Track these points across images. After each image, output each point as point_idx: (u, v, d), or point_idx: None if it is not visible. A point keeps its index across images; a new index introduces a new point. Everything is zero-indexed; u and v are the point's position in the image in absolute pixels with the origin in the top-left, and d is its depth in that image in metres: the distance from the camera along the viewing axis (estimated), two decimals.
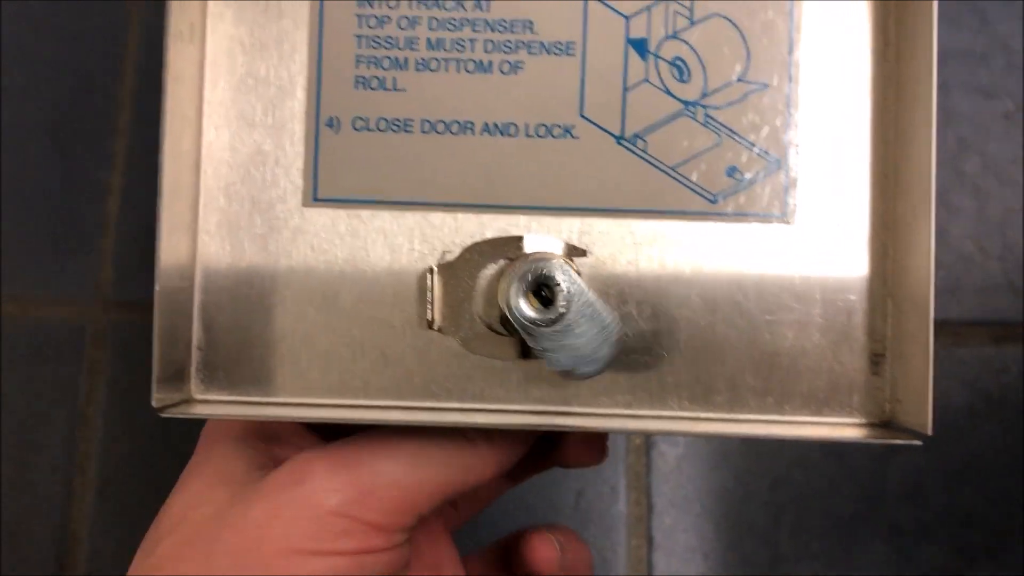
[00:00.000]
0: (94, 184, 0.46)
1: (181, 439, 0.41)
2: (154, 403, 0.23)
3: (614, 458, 0.45)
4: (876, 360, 0.25)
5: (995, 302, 0.47)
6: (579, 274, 0.25)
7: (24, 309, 0.45)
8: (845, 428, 0.25)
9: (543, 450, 0.30)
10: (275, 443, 0.27)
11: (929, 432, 0.23)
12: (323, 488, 0.23)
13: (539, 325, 0.24)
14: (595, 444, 0.30)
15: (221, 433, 0.27)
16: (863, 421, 0.25)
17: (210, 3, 0.26)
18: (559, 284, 0.24)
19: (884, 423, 0.25)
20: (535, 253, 0.25)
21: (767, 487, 0.46)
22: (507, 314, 0.24)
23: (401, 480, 0.24)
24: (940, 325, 0.46)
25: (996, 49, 0.48)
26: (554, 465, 0.32)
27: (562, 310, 0.24)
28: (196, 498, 0.25)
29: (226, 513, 0.24)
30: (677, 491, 0.46)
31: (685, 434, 0.29)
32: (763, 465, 0.46)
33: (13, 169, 0.46)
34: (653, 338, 0.26)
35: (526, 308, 0.24)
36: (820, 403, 0.25)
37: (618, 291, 0.26)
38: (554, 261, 0.24)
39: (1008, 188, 0.47)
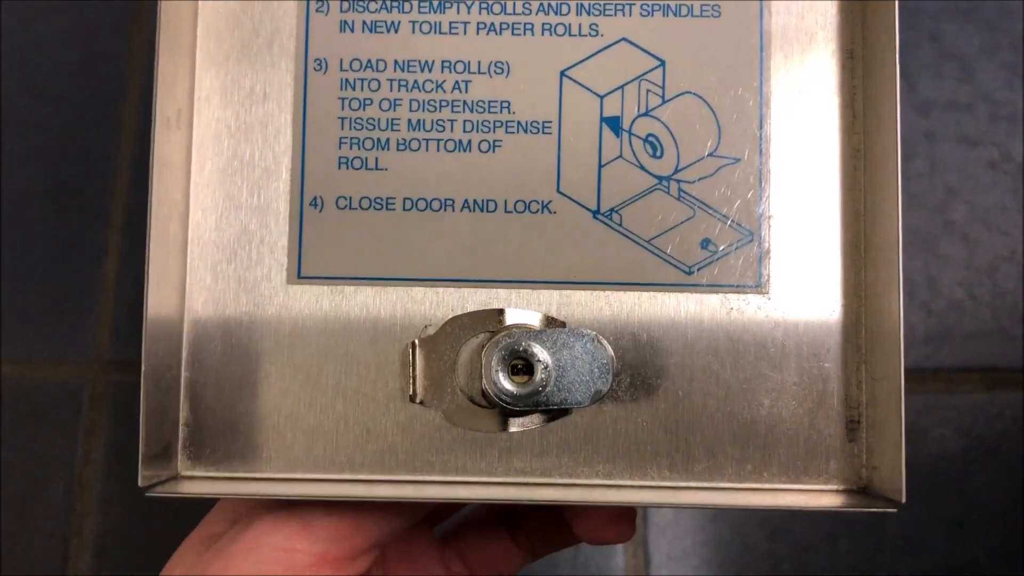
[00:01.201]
0: (92, 246, 0.47)
1: (178, 501, 0.41)
2: (140, 482, 0.23)
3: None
4: (852, 427, 0.26)
5: (987, 348, 0.47)
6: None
7: (23, 371, 0.46)
8: (823, 495, 0.25)
9: (561, 524, 0.30)
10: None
11: (903, 500, 0.24)
12: (267, 530, 0.24)
13: (518, 400, 0.24)
14: (622, 519, 0.29)
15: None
16: (840, 488, 0.26)
17: (196, 88, 0.26)
18: (538, 358, 0.24)
19: (861, 489, 0.26)
20: (514, 327, 0.26)
21: (765, 538, 0.46)
22: (486, 389, 0.24)
23: (291, 548, 0.24)
24: (932, 372, 0.46)
25: (979, 99, 0.48)
26: (576, 542, 0.31)
27: (540, 386, 0.24)
28: (175, 560, 0.26)
29: (192, 568, 0.25)
30: (674, 544, 0.46)
31: (666, 505, 0.29)
32: (761, 516, 0.46)
33: (12, 232, 0.46)
34: (633, 408, 0.26)
35: (505, 383, 0.24)
36: (798, 470, 0.26)
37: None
38: (533, 334, 0.25)
39: (996, 235, 0.48)
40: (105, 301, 0.47)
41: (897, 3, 0.25)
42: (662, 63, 0.27)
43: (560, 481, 0.26)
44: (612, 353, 0.25)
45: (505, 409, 0.25)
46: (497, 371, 0.24)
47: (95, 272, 0.46)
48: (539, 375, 0.24)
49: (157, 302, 0.25)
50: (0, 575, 0.44)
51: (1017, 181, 0.47)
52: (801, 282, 0.26)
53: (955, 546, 0.45)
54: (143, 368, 0.24)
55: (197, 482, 0.25)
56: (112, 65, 0.48)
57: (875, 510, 0.24)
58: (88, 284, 0.46)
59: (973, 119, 0.48)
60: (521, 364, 0.25)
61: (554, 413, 0.26)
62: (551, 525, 0.31)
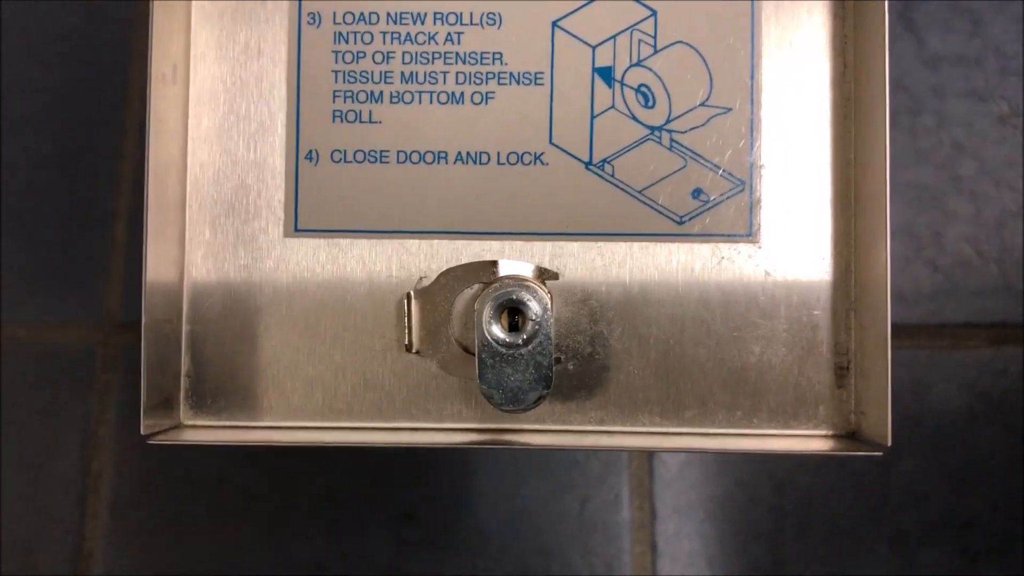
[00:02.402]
0: (102, 209, 0.47)
1: (188, 455, 0.42)
2: (142, 430, 0.24)
3: (617, 466, 0.46)
4: (841, 373, 0.26)
5: (993, 304, 0.47)
6: (550, 296, 0.25)
7: (35, 334, 0.46)
8: (812, 440, 0.26)
9: None
10: None
11: (888, 443, 0.24)
12: None
13: (508, 348, 0.25)
14: None
15: None
16: (830, 433, 0.26)
17: (192, 45, 0.27)
18: (530, 310, 0.25)
19: (850, 434, 0.26)
20: (507, 277, 0.26)
21: (770, 491, 0.46)
22: (476, 334, 0.25)
23: None
24: (938, 328, 0.46)
25: (989, 53, 0.48)
26: None
27: (529, 335, 0.25)
28: None
29: None
30: (680, 497, 0.46)
31: (656, 449, 0.29)
32: (766, 469, 0.46)
33: (21, 197, 0.46)
34: (625, 357, 0.26)
35: (497, 330, 0.25)
36: (788, 416, 0.26)
37: (589, 311, 0.26)
38: (526, 286, 0.25)
39: (1005, 191, 0.47)
40: (115, 263, 0.47)
41: None
42: (654, 13, 0.27)
43: (553, 427, 0.26)
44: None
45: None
46: (490, 320, 0.25)
47: (105, 235, 0.47)
48: (530, 326, 0.25)
49: (156, 257, 0.25)
50: (21, 533, 0.45)
51: None
52: (792, 231, 0.26)
53: (959, 500, 0.45)
54: (143, 321, 0.24)
55: (199, 431, 0.26)
56: (117, 28, 0.48)
57: (861, 454, 0.24)
58: (98, 247, 0.46)
59: (982, 73, 0.48)
60: (515, 316, 0.25)
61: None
62: None
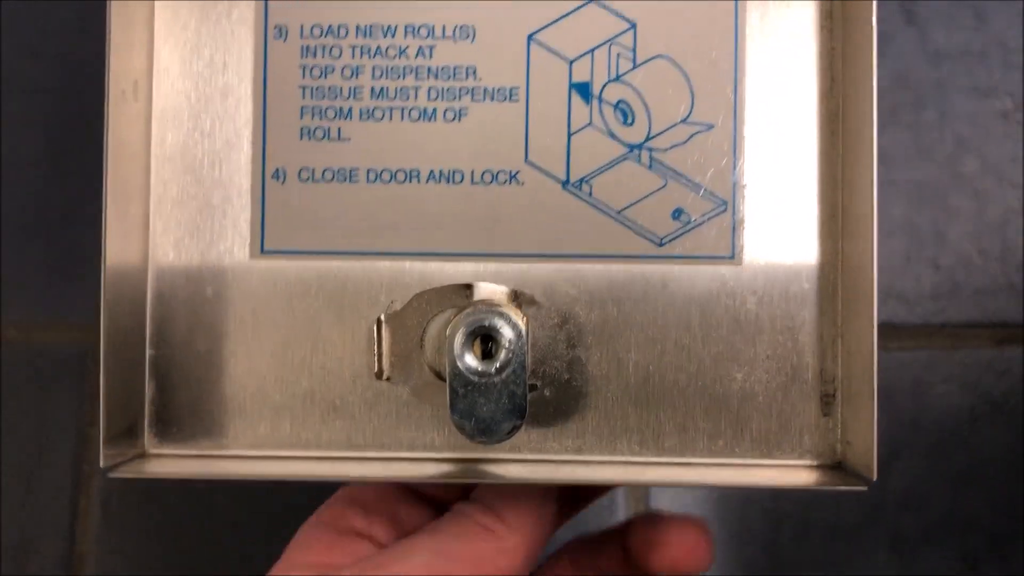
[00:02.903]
0: (92, 210, 0.47)
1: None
2: (102, 462, 0.23)
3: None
4: (827, 401, 0.25)
5: (995, 303, 0.46)
6: (526, 322, 0.25)
7: (27, 335, 0.46)
8: (796, 471, 0.25)
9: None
10: (351, 541, 0.27)
11: (874, 478, 0.23)
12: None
13: (480, 377, 0.24)
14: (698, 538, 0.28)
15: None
16: (814, 463, 0.25)
17: (155, 59, 0.26)
18: (503, 336, 0.24)
19: (836, 464, 0.25)
20: (481, 302, 0.25)
21: (768, 494, 0.46)
22: (448, 363, 0.24)
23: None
24: (939, 328, 0.45)
25: (993, 47, 0.47)
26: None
27: (503, 363, 0.24)
28: (304, 546, 0.27)
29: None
30: (676, 500, 0.46)
31: (634, 483, 0.29)
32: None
33: (13, 197, 0.47)
34: (603, 382, 0.26)
35: (469, 359, 0.24)
36: (771, 445, 0.25)
37: (566, 336, 0.26)
38: (500, 312, 0.24)
39: (1007, 188, 0.47)
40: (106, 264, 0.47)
41: None
42: (633, 26, 0.26)
43: (529, 457, 0.26)
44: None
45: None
46: (462, 348, 0.24)
47: (96, 235, 0.47)
48: (503, 355, 0.24)
49: (117, 279, 0.24)
50: (13, 534, 0.45)
51: None
52: (776, 253, 0.26)
53: (959, 502, 0.45)
54: (102, 347, 0.24)
55: (164, 460, 0.25)
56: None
57: (845, 488, 0.23)
58: (89, 247, 0.46)
59: (986, 69, 0.47)
60: (489, 343, 0.24)
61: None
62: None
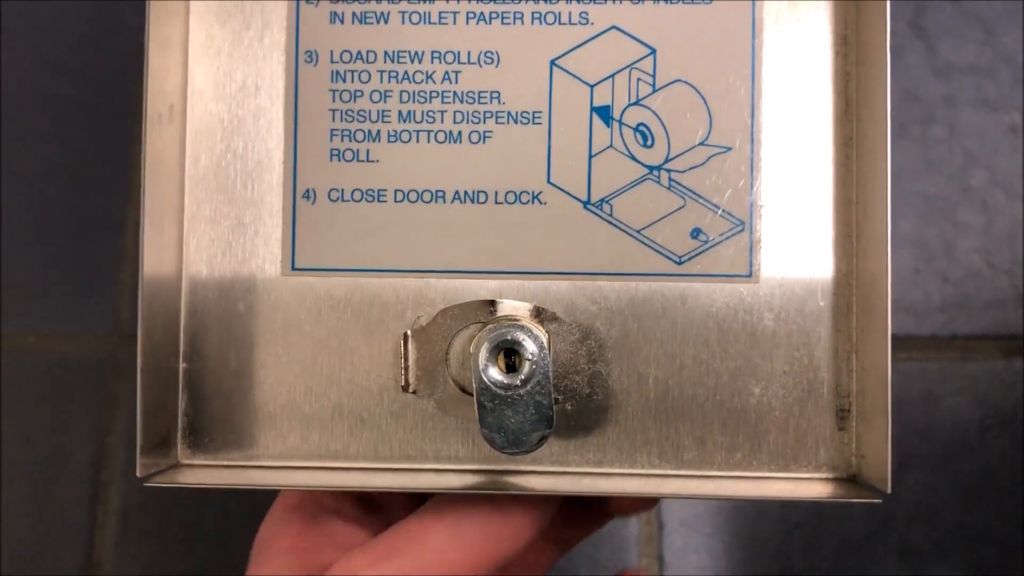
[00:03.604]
0: (112, 220, 0.47)
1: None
2: (139, 472, 0.24)
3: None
4: (842, 415, 0.26)
5: (1004, 316, 0.47)
6: (547, 337, 0.25)
7: (47, 344, 0.47)
8: (812, 484, 0.26)
9: (588, 509, 0.30)
10: (324, 522, 0.27)
11: (888, 491, 0.24)
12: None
13: (507, 389, 0.24)
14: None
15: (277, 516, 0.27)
16: (830, 476, 0.26)
17: (189, 82, 0.27)
18: (526, 350, 0.25)
19: (851, 477, 0.26)
20: (504, 318, 0.26)
21: (778, 505, 0.46)
22: (474, 377, 0.25)
23: (444, 559, 0.25)
24: (949, 340, 0.46)
25: (1001, 62, 0.48)
26: (607, 520, 0.31)
27: (527, 376, 0.24)
28: (273, 529, 0.27)
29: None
30: (687, 510, 0.46)
31: (654, 495, 0.29)
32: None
33: (34, 207, 0.47)
34: (623, 397, 0.26)
35: (494, 372, 0.25)
36: (788, 459, 0.26)
37: (587, 351, 0.26)
38: (522, 327, 0.25)
39: (1016, 201, 0.47)
40: (125, 274, 0.47)
41: None
42: (653, 51, 0.26)
43: (551, 469, 0.26)
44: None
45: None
46: (486, 362, 0.25)
47: (114, 245, 0.47)
48: (527, 368, 0.25)
49: (152, 295, 0.25)
50: (32, 541, 0.45)
51: None
52: (792, 271, 0.26)
53: (969, 513, 0.45)
54: (139, 361, 0.24)
55: (196, 470, 0.26)
56: (127, 39, 0.48)
57: (859, 500, 0.24)
58: (108, 257, 0.47)
59: (994, 83, 0.48)
60: (512, 357, 0.25)
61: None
62: (582, 508, 0.31)
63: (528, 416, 0.24)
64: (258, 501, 0.44)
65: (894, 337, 0.44)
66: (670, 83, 0.26)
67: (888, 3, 0.24)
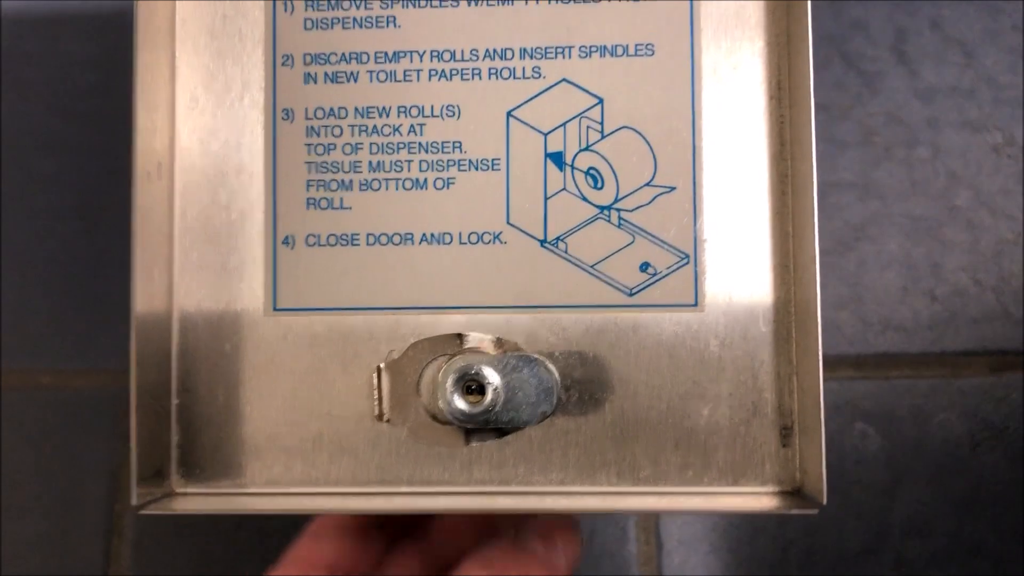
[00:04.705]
0: (121, 261, 0.49)
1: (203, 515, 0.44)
2: (134, 500, 0.26)
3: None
4: (785, 433, 0.28)
5: (992, 332, 0.47)
6: (510, 363, 0.27)
7: (60, 381, 0.48)
8: (760, 497, 0.27)
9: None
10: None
11: (823, 502, 0.25)
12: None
13: (470, 418, 0.26)
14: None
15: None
16: (776, 489, 0.28)
17: (176, 139, 0.29)
18: (488, 381, 0.27)
19: (796, 490, 0.28)
20: (468, 350, 0.28)
21: (774, 522, 0.47)
22: (443, 408, 0.27)
23: None
24: (937, 357, 0.47)
25: (982, 84, 0.48)
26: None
27: (490, 406, 0.27)
28: None
29: None
30: (685, 529, 0.47)
31: (613, 511, 0.31)
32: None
33: (46, 249, 0.48)
34: (583, 421, 0.28)
35: (459, 403, 0.27)
36: (736, 474, 0.28)
37: None
38: (485, 358, 0.27)
39: (1001, 220, 0.48)
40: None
41: (811, 40, 0.26)
42: (600, 101, 0.28)
43: (517, 490, 0.28)
44: (557, 377, 0.28)
45: (462, 426, 0.27)
46: (452, 392, 0.27)
47: (124, 284, 0.49)
48: (490, 396, 0.27)
49: (145, 336, 0.27)
50: (48, 573, 0.46)
51: (1020, 164, 0.47)
52: (735, 300, 0.28)
53: (963, 527, 0.45)
54: (132, 398, 0.27)
55: (189, 498, 0.28)
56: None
57: (796, 512, 0.25)
58: (118, 296, 0.48)
59: (976, 104, 0.48)
60: (475, 385, 0.27)
61: (507, 429, 0.28)
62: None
63: (527, 397, 0.27)
64: (267, 529, 0.46)
65: (884, 355, 0.45)
66: (617, 129, 0.28)
67: (811, 51, 0.26)
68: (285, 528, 0.45)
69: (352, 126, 0.29)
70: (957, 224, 0.48)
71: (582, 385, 0.28)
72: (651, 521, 0.47)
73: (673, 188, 0.28)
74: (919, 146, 0.47)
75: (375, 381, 0.28)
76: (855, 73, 0.46)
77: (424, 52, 0.29)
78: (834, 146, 0.45)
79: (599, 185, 0.28)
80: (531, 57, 0.29)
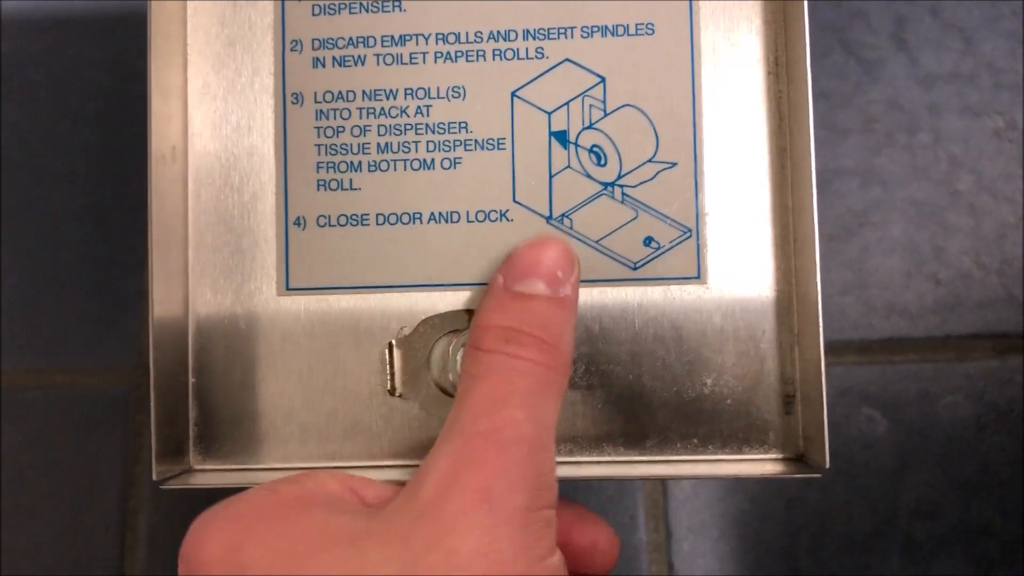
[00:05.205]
0: (132, 259, 0.49)
1: (221, 491, 0.44)
2: (154, 476, 0.27)
3: (631, 488, 0.47)
4: (788, 401, 0.28)
5: (996, 315, 0.47)
6: None
7: (73, 380, 0.48)
8: (764, 464, 0.28)
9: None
10: None
11: (826, 466, 0.26)
12: None
13: None
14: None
15: None
16: (780, 456, 0.28)
17: (189, 125, 0.30)
18: None
19: (799, 457, 0.28)
20: None
21: (783, 507, 0.47)
22: (455, 379, 0.27)
23: None
24: (942, 341, 0.47)
25: (982, 69, 0.48)
26: None
27: None
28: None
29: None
30: (694, 517, 0.47)
31: (621, 478, 0.32)
32: (777, 486, 0.47)
33: (58, 250, 0.49)
34: (589, 392, 0.29)
35: None
36: (740, 442, 0.28)
37: None
38: None
39: (1003, 203, 0.48)
40: (146, 310, 0.49)
41: (807, 17, 0.27)
42: (602, 79, 0.29)
43: None
44: None
45: None
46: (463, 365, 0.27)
47: (136, 283, 0.49)
48: None
49: (163, 316, 0.28)
50: (64, 568, 0.47)
51: (1022, 148, 0.47)
52: (737, 272, 0.29)
53: (970, 509, 0.45)
54: (152, 378, 0.27)
55: (207, 474, 0.29)
56: (143, 87, 0.50)
57: (800, 476, 0.26)
58: (130, 295, 0.49)
59: (976, 89, 0.48)
60: None
61: None
62: None
63: None
64: None
65: (889, 340, 0.45)
66: (619, 107, 0.29)
67: (807, 27, 0.27)
68: None
69: (360, 108, 0.30)
70: (959, 208, 0.48)
71: (589, 358, 0.29)
72: (659, 509, 0.47)
73: (675, 164, 0.29)
74: (920, 132, 0.48)
75: (387, 357, 0.29)
76: (855, 61, 0.47)
77: (429, 35, 0.30)
78: (836, 133, 0.46)
79: (602, 162, 0.29)
80: (534, 38, 0.29)
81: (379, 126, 0.30)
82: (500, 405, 0.24)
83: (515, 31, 0.29)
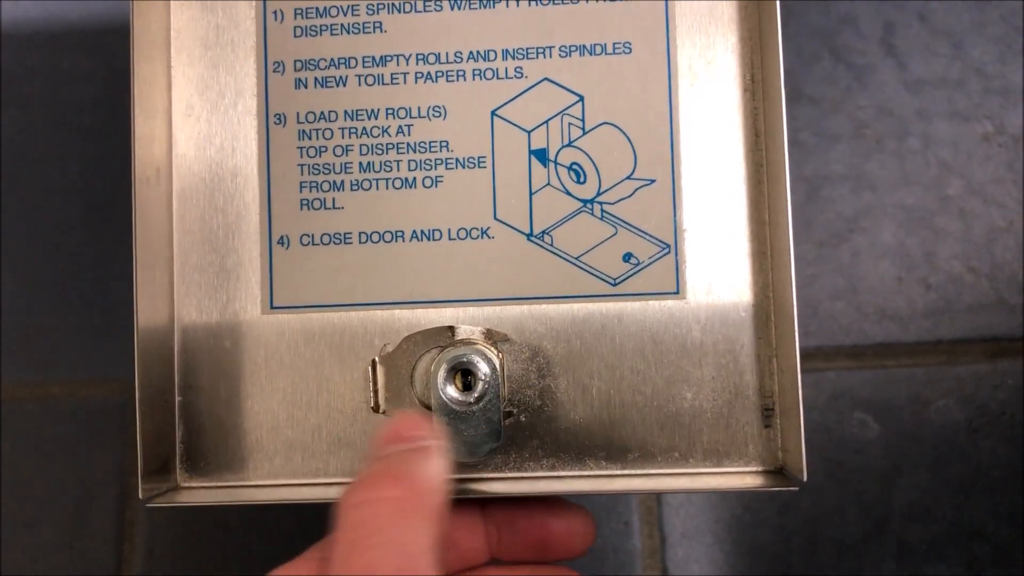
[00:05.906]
0: (125, 271, 0.49)
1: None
2: (141, 495, 0.27)
3: (626, 495, 0.48)
4: (767, 414, 0.29)
5: (987, 319, 0.47)
6: (500, 358, 0.28)
7: (70, 391, 0.48)
8: (744, 477, 0.28)
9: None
10: None
11: (803, 479, 0.26)
12: None
13: (461, 406, 0.27)
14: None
15: None
16: (759, 469, 0.29)
17: (174, 145, 0.30)
18: (480, 370, 0.28)
19: (778, 469, 0.28)
20: (461, 342, 0.29)
21: (776, 512, 0.47)
22: (433, 395, 0.28)
23: None
24: (933, 345, 0.47)
25: (970, 74, 0.49)
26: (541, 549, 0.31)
27: (481, 393, 0.28)
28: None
29: None
30: (688, 522, 0.47)
31: (603, 492, 0.32)
32: (769, 492, 0.47)
33: (54, 261, 0.49)
34: (571, 407, 0.29)
35: (452, 391, 0.28)
36: (720, 455, 0.29)
37: (537, 367, 0.29)
38: (476, 349, 0.28)
39: (992, 208, 0.48)
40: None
41: (780, 34, 0.27)
42: (581, 98, 0.29)
43: (511, 475, 0.29)
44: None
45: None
46: (444, 383, 0.28)
47: (130, 295, 0.49)
48: (481, 385, 0.28)
49: (148, 336, 0.28)
50: None
51: (1011, 153, 0.47)
52: (715, 286, 0.29)
53: (962, 512, 0.46)
54: (137, 396, 0.28)
55: (194, 491, 0.29)
56: None
57: (777, 489, 0.26)
58: (123, 307, 0.49)
59: (965, 94, 0.49)
60: (468, 376, 0.28)
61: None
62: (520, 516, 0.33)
63: (480, 431, 0.27)
64: (281, 531, 0.46)
65: (881, 345, 0.45)
66: (598, 125, 0.29)
67: (780, 45, 0.27)
68: (294, 531, 0.46)
69: (342, 128, 0.30)
70: (949, 213, 0.48)
71: (570, 373, 0.29)
72: (654, 515, 0.47)
73: (653, 180, 0.29)
74: (910, 137, 0.48)
75: (370, 374, 0.29)
76: (844, 67, 0.47)
77: (410, 55, 0.30)
78: (826, 139, 0.46)
79: (582, 180, 0.29)
80: (513, 58, 0.30)
81: (361, 146, 0.30)
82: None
83: (494, 51, 0.30)
